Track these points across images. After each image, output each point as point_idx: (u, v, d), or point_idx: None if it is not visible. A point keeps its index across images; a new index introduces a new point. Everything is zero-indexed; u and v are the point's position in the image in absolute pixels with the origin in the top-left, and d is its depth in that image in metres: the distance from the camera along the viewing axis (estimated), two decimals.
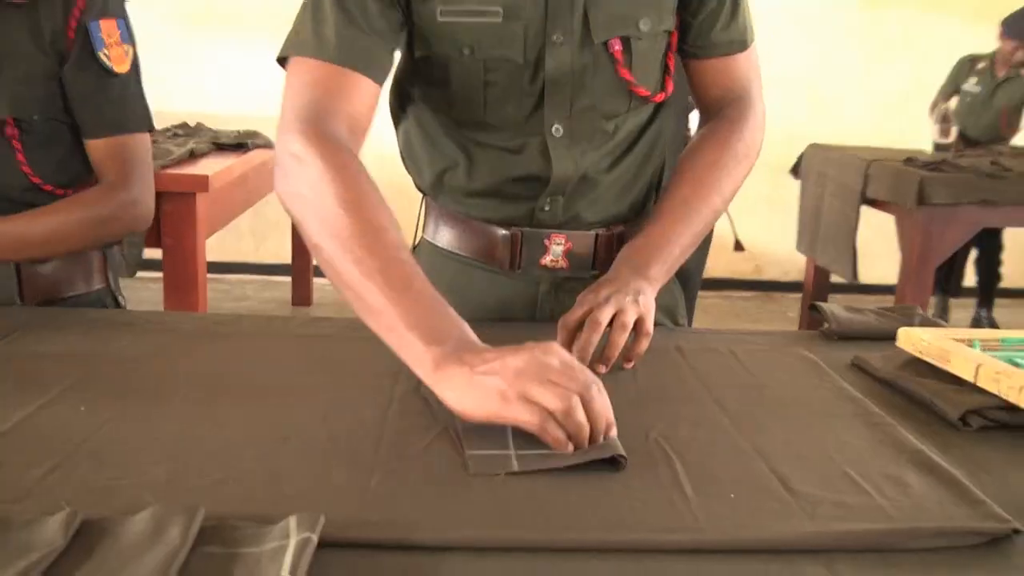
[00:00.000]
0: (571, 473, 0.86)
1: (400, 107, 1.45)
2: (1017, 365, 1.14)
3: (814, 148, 4.84)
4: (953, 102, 5.01)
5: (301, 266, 5.24)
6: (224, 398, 1.05)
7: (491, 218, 1.39)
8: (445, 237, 1.43)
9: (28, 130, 1.50)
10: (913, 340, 1.23)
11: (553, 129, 1.31)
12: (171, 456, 0.89)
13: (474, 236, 1.40)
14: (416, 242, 1.52)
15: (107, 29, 1.51)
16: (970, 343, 1.21)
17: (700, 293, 3.95)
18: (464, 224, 1.41)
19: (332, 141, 1.13)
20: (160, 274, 2.88)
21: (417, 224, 1.53)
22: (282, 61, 1.24)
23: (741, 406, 1.09)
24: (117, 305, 1.66)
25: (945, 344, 1.18)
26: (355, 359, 1.19)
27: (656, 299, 1.23)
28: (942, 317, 5.23)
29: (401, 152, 1.48)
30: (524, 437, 0.90)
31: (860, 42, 5.70)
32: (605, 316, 1.11)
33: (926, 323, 1.40)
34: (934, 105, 5.01)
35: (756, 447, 0.96)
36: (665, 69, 1.37)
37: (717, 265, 5.85)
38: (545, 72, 1.28)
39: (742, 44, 1.39)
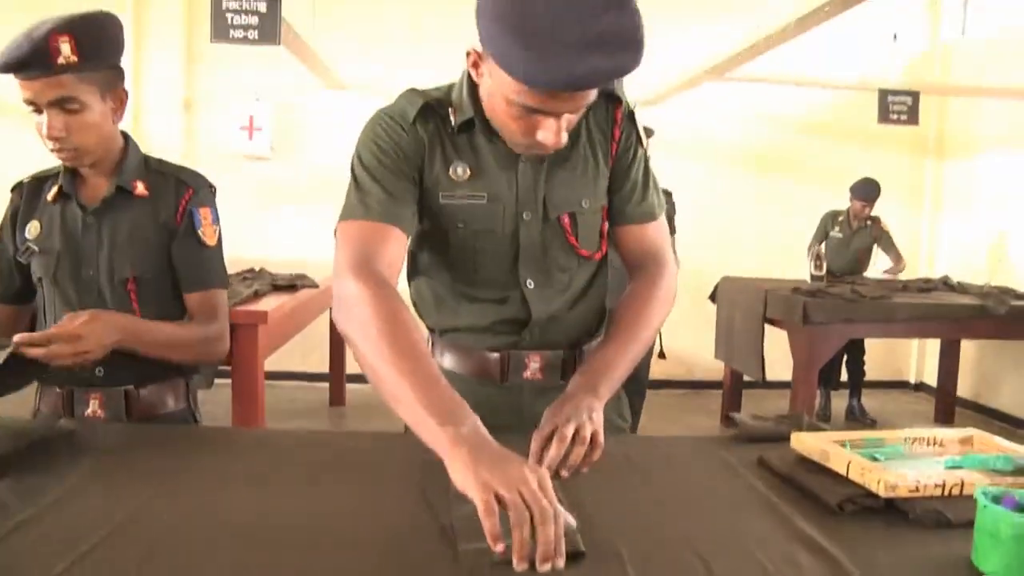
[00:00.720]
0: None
1: (412, 270, 1.46)
2: (875, 459, 1.15)
3: (726, 280, 4.90)
4: (823, 246, 5.12)
5: (337, 374, 5.21)
6: (272, 504, 1.04)
7: (484, 347, 1.40)
8: (449, 361, 1.44)
9: (142, 285, 1.55)
10: (802, 442, 1.23)
11: (527, 283, 1.35)
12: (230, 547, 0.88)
13: (472, 360, 1.42)
14: None
15: (204, 214, 1.59)
16: (843, 444, 1.21)
17: (648, 391, 3.97)
18: (464, 351, 1.42)
19: (376, 279, 1.14)
20: (230, 381, 2.86)
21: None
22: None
23: (673, 502, 1.08)
24: (195, 420, 1.66)
25: (824, 445, 1.18)
26: (378, 467, 1.18)
27: (606, 407, 1.23)
28: (827, 407, 5.24)
29: (413, 301, 1.49)
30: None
31: (756, 200, 5.82)
32: (569, 432, 1.10)
33: (811, 427, 1.39)
34: (810, 247, 5.13)
35: (685, 536, 0.96)
36: (600, 235, 1.41)
37: (657, 369, 5.89)
38: (519, 241, 1.33)
39: (651, 216, 1.41)
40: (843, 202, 5.22)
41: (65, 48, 1.39)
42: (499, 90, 1.13)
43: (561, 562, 0.83)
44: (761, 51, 4.24)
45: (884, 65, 5.26)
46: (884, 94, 5.06)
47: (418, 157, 1.28)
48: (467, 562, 0.85)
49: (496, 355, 1.40)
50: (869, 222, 5.20)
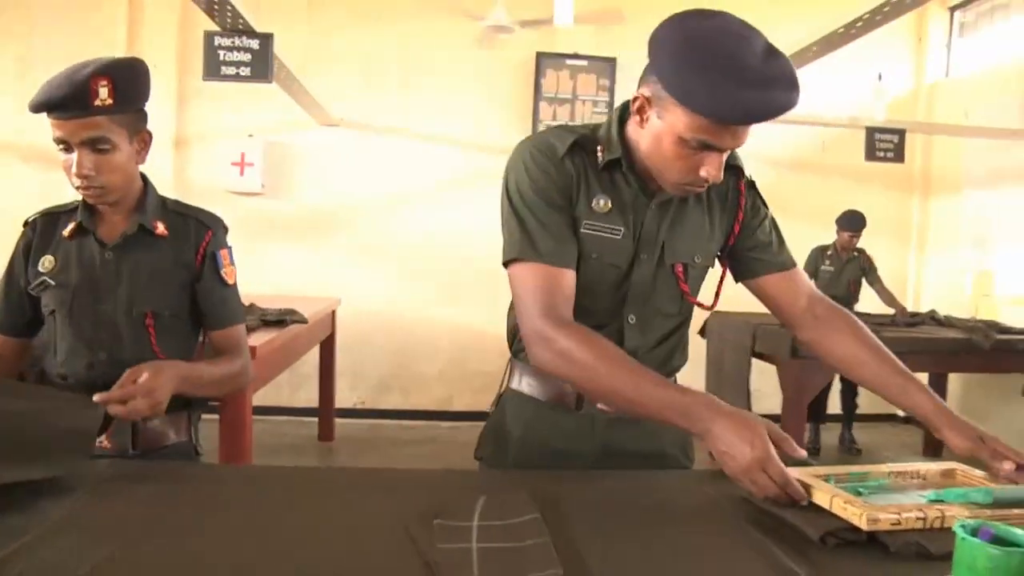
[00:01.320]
0: None
1: None
2: (860, 494, 1.16)
3: (715, 315, 4.89)
4: (812, 282, 5.15)
5: (326, 409, 5.18)
6: (257, 538, 1.04)
7: None
8: (526, 386, 1.49)
9: (159, 321, 1.60)
10: None
11: (629, 317, 1.43)
12: None
13: (549, 386, 1.46)
14: (502, 391, 1.56)
15: (223, 255, 1.68)
16: (826, 478, 1.22)
17: None
18: (542, 377, 1.46)
19: (572, 327, 1.29)
20: (217, 416, 2.84)
21: (503, 380, 1.57)
22: (506, 263, 1.36)
23: (658, 537, 1.09)
24: (197, 453, 1.70)
25: (809, 480, 1.19)
26: (362, 503, 1.18)
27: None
28: (815, 440, 5.25)
29: (508, 326, 1.53)
30: (488, 567, 0.90)
31: None
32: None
33: (798, 463, 1.40)
34: None
35: (669, 571, 0.96)
36: (714, 288, 1.53)
37: None
38: (632, 278, 1.41)
39: (793, 263, 1.53)
40: (831, 238, 5.28)
41: (103, 91, 1.46)
42: (671, 130, 1.23)
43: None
44: None
45: (870, 104, 5.33)
46: (871, 132, 5.14)
47: (569, 190, 1.36)
48: None
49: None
50: (856, 253, 5.27)
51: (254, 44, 3.64)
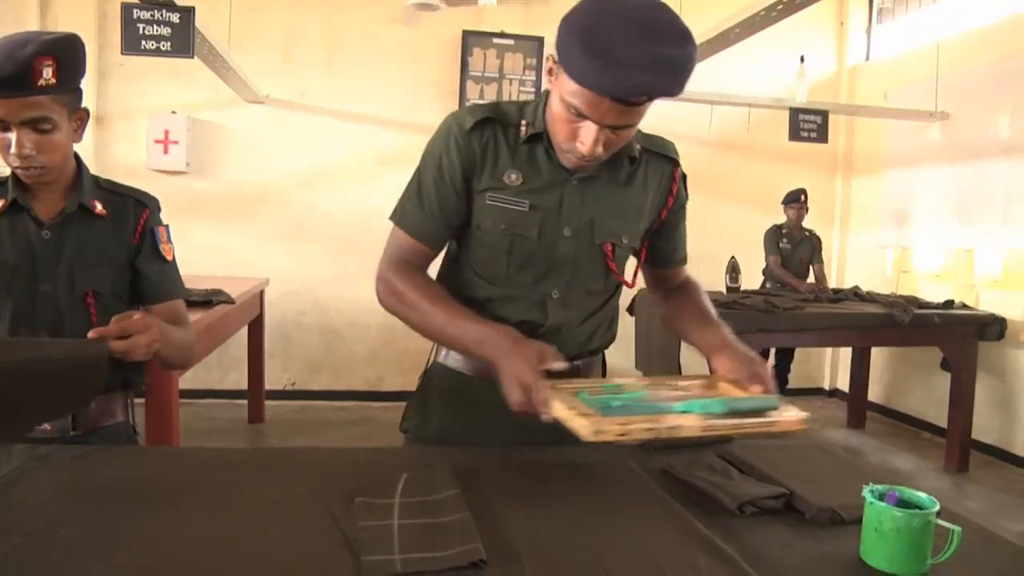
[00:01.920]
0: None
1: (447, 259, 1.56)
2: (611, 407, 1.16)
3: (643, 292, 4.98)
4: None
5: (255, 391, 5.08)
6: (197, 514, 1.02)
7: None
8: (453, 360, 1.52)
9: (100, 301, 1.57)
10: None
11: (553, 292, 1.45)
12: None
13: (476, 359, 1.44)
14: (428, 366, 1.58)
15: (161, 232, 1.67)
16: (577, 392, 1.22)
17: None
18: None
19: (409, 270, 1.43)
20: (143, 400, 2.77)
21: (430, 356, 1.59)
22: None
23: (579, 510, 1.09)
24: (135, 432, 1.68)
25: (555, 392, 1.18)
26: (287, 482, 1.16)
27: None
28: None
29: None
30: (409, 543, 0.89)
31: None
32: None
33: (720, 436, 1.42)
34: (768, 263, 5.49)
35: (588, 543, 0.97)
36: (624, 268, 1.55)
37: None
38: (556, 253, 1.43)
39: (685, 261, 1.64)
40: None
41: (47, 71, 1.42)
42: (558, 90, 1.28)
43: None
44: None
45: (793, 86, 5.45)
46: (795, 113, 5.25)
47: (470, 163, 1.41)
48: (370, 573, 0.85)
49: None
50: (808, 233, 5.51)
51: (174, 17, 3.51)
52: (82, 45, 1.52)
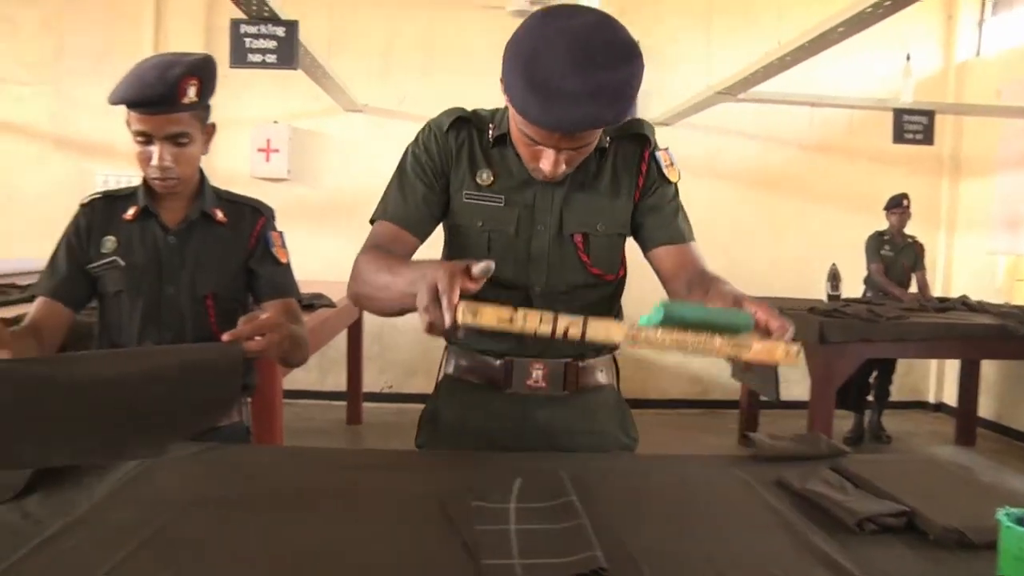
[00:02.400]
0: None
1: None
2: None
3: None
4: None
5: (354, 393, 5.23)
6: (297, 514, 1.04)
7: (489, 350, 1.47)
8: (460, 370, 1.53)
9: (219, 302, 1.69)
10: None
11: (535, 288, 1.43)
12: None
13: (478, 366, 1.49)
14: (439, 379, 1.59)
15: (275, 238, 1.78)
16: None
17: (662, 410, 3.92)
18: (471, 357, 1.50)
19: (369, 249, 1.38)
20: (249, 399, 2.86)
21: (439, 368, 1.60)
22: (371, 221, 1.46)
23: (692, 520, 1.08)
24: (249, 432, 1.77)
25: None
26: (397, 484, 1.18)
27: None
28: (858, 429, 5.22)
29: None
30: (528, 549, 0.90)
31: (770, 220, 5.80)
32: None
33: (832, 448, 1.39)
34: (869, 271, 5.23)
35: (703, 554, 0.96)
36: (618, 259, 1.50)
37: (673, 389, 5.87)
38: (531, 248, 1.42)
39: (680, 237, 1.46)
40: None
41: (191, 90, 1.58)
42: (514, 118, 1.29)
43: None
44: (775, 72, 4.26)
45: (898, 86, 5.24)
46: (899, 114, 5.05)
47: (445, 162, 1.44)
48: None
49: (500, 362, 1.46)
50: (911, 240, 5.26)
51: (280, 31, 3.64)
52: (216, 65, 1.65)
